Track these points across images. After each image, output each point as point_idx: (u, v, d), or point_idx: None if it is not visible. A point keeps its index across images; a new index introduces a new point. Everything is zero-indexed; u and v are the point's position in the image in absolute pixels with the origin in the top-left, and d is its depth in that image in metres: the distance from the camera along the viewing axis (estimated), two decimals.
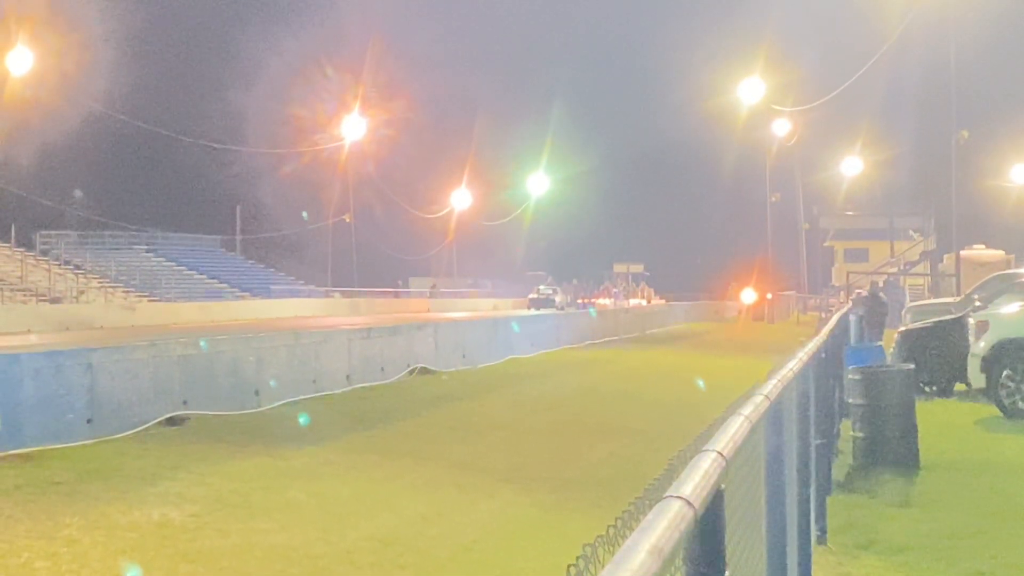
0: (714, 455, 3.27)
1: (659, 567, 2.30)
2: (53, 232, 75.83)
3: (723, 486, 3.20)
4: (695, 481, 2.91)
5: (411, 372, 29.78)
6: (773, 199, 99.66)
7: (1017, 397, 20.69)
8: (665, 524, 2.51)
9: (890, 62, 74.42)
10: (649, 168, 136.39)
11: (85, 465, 15.90)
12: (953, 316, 26.80)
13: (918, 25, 64.45)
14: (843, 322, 23.51)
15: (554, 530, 11.91)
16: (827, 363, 14.00)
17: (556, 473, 15.94)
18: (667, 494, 2.74)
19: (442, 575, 10.69)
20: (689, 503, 2.72)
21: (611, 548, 2.39)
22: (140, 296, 69.24)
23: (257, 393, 22.72)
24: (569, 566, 2.17)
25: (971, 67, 67.03)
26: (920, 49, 71.79)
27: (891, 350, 25.82)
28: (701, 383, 26.20)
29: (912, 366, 17.28)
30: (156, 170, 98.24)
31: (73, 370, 18.60)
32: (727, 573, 3.20)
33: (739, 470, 4.25)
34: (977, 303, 28.33)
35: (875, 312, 34.87)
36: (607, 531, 2.46)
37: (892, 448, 15.33)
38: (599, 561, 2.28)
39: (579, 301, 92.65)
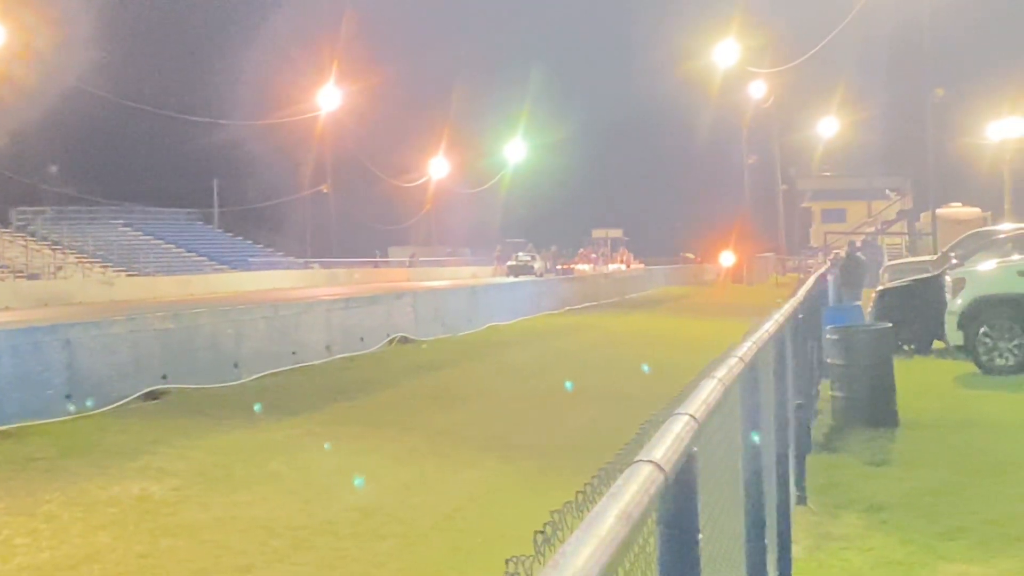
0: (686, 418, 3.26)
1: (628, 532, 2.29)
2: (29, 208, 75.32)
3: (695, 449, 3.19)
4: (666, 445, 2.90)
5: (391, 342, 29.76)
6: (750, 161, 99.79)
7: (995, 354, 20.77)
8: (635, 489, 2.50)
9: (864, 21, 74.38)
10: (626, 133, 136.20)
11: (64, 441, 15.87)
12: (930, 274, 26.86)
13: None
14: (821, 283, 23.54)
15: (537, 498, 11.89)
16: (805, 324, 14.01)
17: (538, 440, 15.95)
18: (637, 458, 2.73)
19: (425, 544, 10.69)
20: (660, 467, 2.71)
21: (581, 514, 2.37)
22: (118, 271, 68.96)
23: (236, 366, 22.69)
24: (536, 533, 2.16)
25: (945, 25, 67.02)
26: (894, 7, 71.78)
27: (869, 309, 25.88)
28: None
29: (890, 325, 17.30)
30: (132, 144, 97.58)
31: (51, 346, 18.55)
32: (701, 535, 3.20)
33: (715, 433, 4.25)
34: (954, 261, 28.39)
35: (853, 272, 34.92)
36: (576, 497, 2.45)
37: (871, 407, 15.38)
38: (568, 527, 2.27)
39: (558, 267, 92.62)
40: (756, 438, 5.97)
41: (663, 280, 78.19)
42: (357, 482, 12.94)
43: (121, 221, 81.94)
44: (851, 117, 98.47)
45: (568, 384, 21.21)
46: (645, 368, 22.39)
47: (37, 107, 70.13)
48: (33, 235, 70.17)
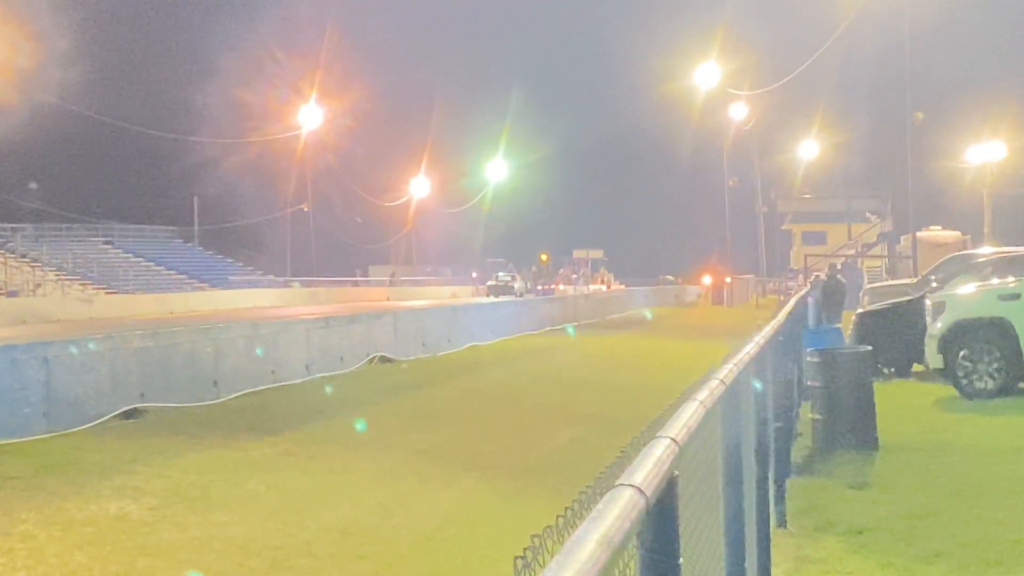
0: (667, 442, 3.23)
1: (609, 557, 2.27)
2: (8, 225, 75.05)
3: (676, 472, 3.17)
4: (647, 468, 2.88)
5: (371, 361, 29.69)
6: (731, 183, 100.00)
7: (974, 377, 20.76)
8: (616, 513, 2.48)
9: (845, 45, 74.76)
10: (607, 154, 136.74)
11: (41, 460, 15.77)
12: (910, 297, 26.89)
13: (872, 7, 64.70)
14: (801, 305, 23.56)
15: (515, 518, 11.87)
16: (786, 346, 14.02)
17: (517, 461, 15.91)
18: (618, 482, 2.71)
19: (403, 565, 10.65)
20: (641, 491, 2.68)
21: (562, 538, 2.35)
22: (97, 289, 68.72)
23: (215, 384, 22.60)
24: (516, 558, 2.13)
25: (925, 49, 67.32)
26: (875, 31, 72.12)
27: (849, 332, 25.91)
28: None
29: (870, 348, 17.31)
30: (112, 162, 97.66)
31: (28, 364, 18.45)
32: (681, 559, 3.17)
33: (695, 455, 4.23)
34: (934, 284, 28.44)
35: (834, 294, 34.99)
36: (556, 521, 2.43)
37: (850, 430, 15.38)
38: (548, 552, 2.25)
39: (538, 288, 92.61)
40: (737, 461, 5.96)
41: (643, 301, 78.25)
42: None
43: (101, 239, 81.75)
44: (832, 140, 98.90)
45: (548, 405, 21.19)
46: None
47: (16, 123, 69.97)
48: (12, 252, 69.89)
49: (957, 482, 13.13)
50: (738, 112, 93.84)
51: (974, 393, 20.58)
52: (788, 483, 12.39)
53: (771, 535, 8.69)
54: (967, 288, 22.80)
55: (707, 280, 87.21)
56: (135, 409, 19.96)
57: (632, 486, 2.68)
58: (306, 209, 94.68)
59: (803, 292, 29.97)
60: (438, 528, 11.92)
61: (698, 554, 4.27)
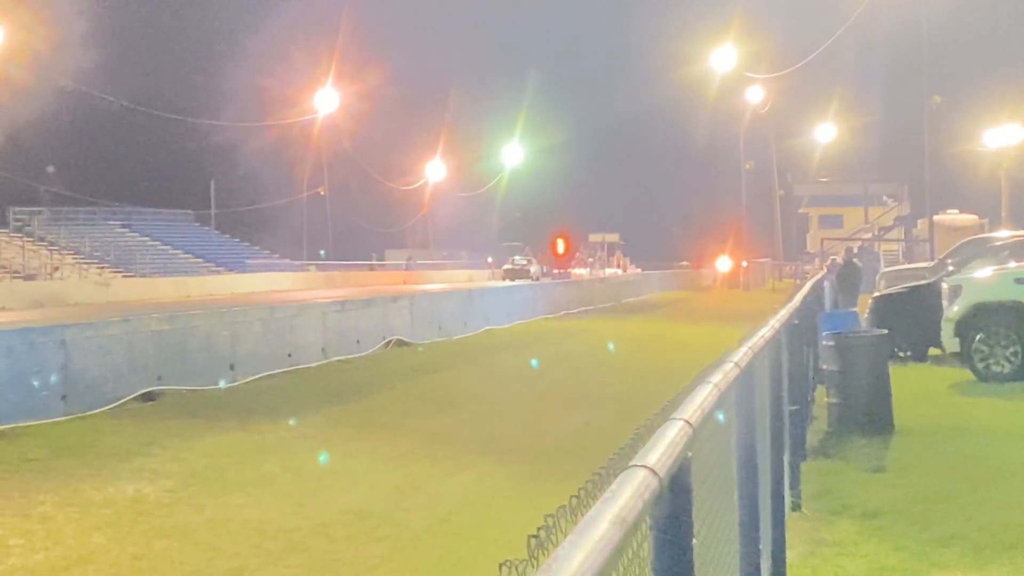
0: (681, 423, 3.25)
1: (622, 537, 2.28)
2: (26, 208, 75.16)
3: (690, 454, 3.18)
4: (661, 450, 2.89)
5: (387, 344, 29.74)
6: (747, 167, 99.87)
7: (991, 361, 20.74)
8: (629, 493, 2.49)
9: (863, 27, 74.46)
10: (624, 137, 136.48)
11: (59, 442, 15.85)
12: (927, 281, 26.83)
13: None
14: (818, 288, 23.52)
15: (529, 501, 11.87)
16: (801, 329, 14.00)
17: (531, 444, 15.92)
18: (632, 463, 2.72)
19: (418, 547, 10.67)
20: (654, 472, 2.70)
21: (575, 518, 2.37)
22: (115, 272, 68.77)
23: (232, 368, 22.66)
24: (530, 537, 2.15)
25: (943, 32, 67.07)
26: (892, 14, 71.80)
27: (865, 316, 25.85)
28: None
29: (886, 331, 17.29)
30: (129, 145, 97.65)
31: (46, 347, 18.53)
32: (695, 540, 3.19)
33: (709, 438, 4.24)
34: (951, 268, 28.37)
35: (850, 278, 34.90)
36: (570, 501, 2.44)
37: (866, 413, 15.36)
38: (562, 532, 2.26)
39: (554, 271, 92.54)
40: (751, 443, 5.96)
41: (659, 285, 78.24)
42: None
43: (118, 222, 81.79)
44: (848, 123, 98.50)
45: (563, 388, 21.16)
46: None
47: (34, 107, 70.06)
48: (30, 235, 70.01)
49: (973, 466, 13.11)
50: (754, 95, 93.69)
51: (990, 377, 20.56)
52: (803, 466, 12.40)
53: (786, 518, 8.70)
54: (984, 272, 22.76)
55: (722, 264, 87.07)
56: (152, 392, 20.05)
57: (645, 467, 2.69)
58: (323, 193, 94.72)
59: (819, 276, 29.93)
60: (453, 511, 11.94)
61: (712, 535, 4.29)
